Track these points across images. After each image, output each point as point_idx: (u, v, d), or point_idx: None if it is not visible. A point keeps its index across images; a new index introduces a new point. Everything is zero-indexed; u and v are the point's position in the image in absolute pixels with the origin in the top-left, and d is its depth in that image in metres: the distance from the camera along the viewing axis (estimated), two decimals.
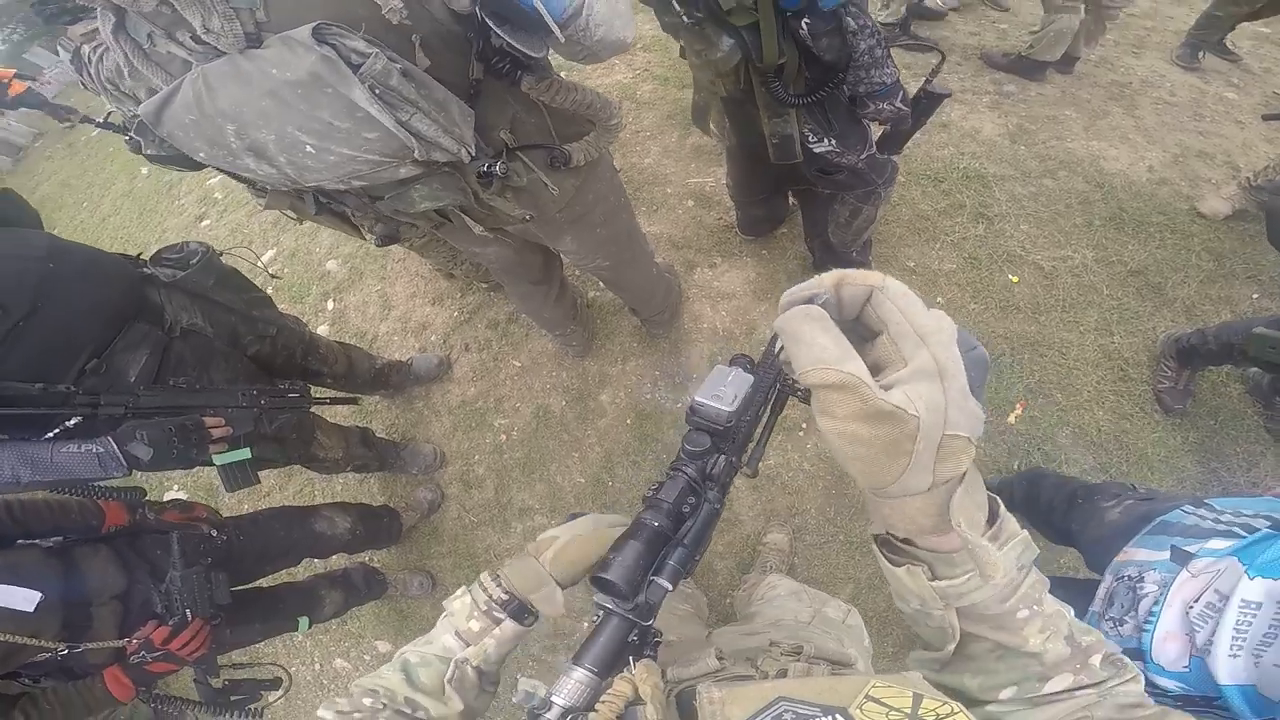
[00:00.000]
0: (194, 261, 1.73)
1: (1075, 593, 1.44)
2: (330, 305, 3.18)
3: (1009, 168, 2.84)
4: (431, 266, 2.91)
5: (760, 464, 0.67)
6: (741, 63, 1.45)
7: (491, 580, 0.78)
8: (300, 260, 3.33)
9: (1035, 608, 0.54)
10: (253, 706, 1.67)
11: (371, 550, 2.54)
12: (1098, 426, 2.29)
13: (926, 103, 1.57)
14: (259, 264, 2.08)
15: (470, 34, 1.06)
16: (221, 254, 1.85)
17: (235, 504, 2.83)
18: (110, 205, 4.90)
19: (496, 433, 2.67)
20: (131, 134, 1.08)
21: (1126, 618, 1.16)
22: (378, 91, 0.92)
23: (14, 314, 1.35)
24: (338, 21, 0.88)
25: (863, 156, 1.67)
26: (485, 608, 0.76)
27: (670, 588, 0.58)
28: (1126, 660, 0.57)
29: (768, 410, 0.72)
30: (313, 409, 2.07)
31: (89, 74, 1.06)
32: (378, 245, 1.58)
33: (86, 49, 1.05)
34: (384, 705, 0.70)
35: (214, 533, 1.74)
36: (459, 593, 0.80)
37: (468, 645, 0.75)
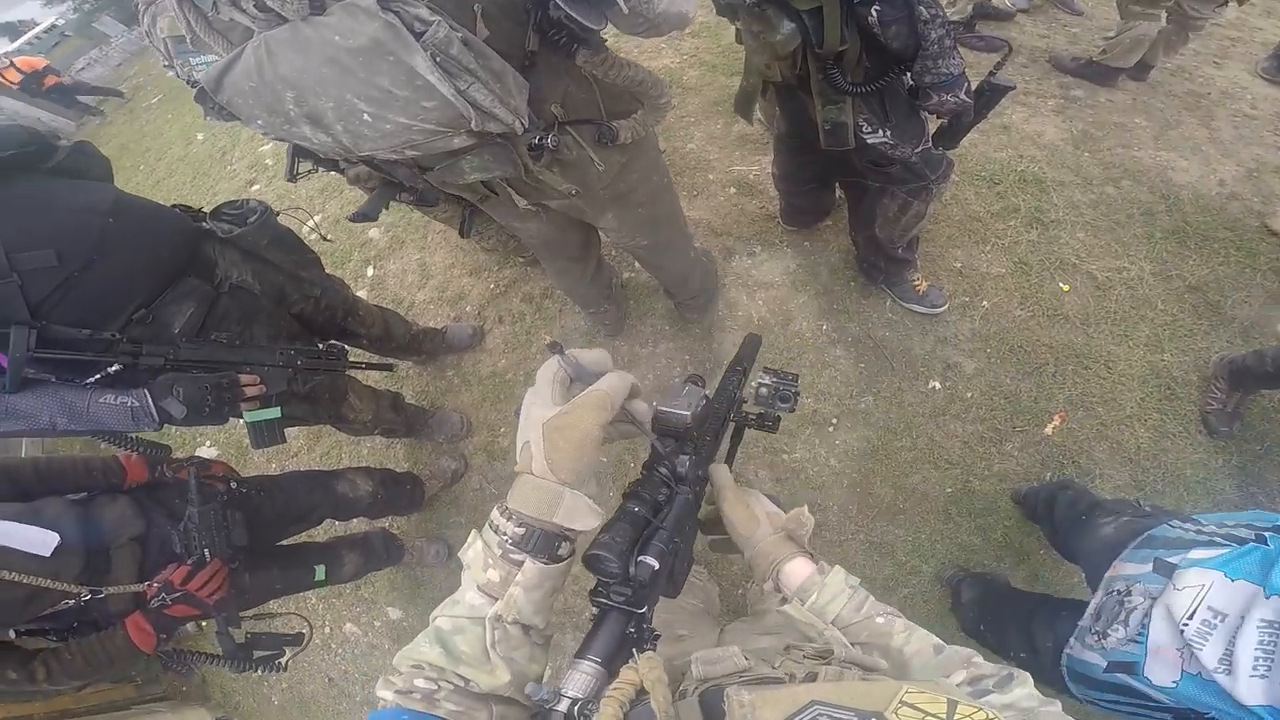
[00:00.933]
0: (251, 220, 1.75)
1: (1073, 609, 1.43)
2: (370, 271, 3.23)
3: (1070, 173, 2.74)
4: (471, 239, 2.93)
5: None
6: (800, 47, 1.41)
7: (501, 515, 0.67)
8: (344, 227, 3.38)
9: (889, 615, 0.77)
10: (277, 661, 1.70)
11: (392, 516, 2.58)
12: (1137, 444, 2.23)
13: (989, 95, 1.52)
14: (312, 226, 2.10)
15: (529, 4, 1.06)
16: (279, 214, 1.87)
17: (263, 464, 2.92)
18: (165, 168, 5.05)
19: None
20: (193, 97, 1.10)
21: (1110, 630, 1.18)
22: (438, 60, 0.92)
23: (70, 265, 1.38)
24: None
25: (917, 150, 1.62)
26: (500, 551, 0.66)
27: (656, 565, 0.62)
28: (1015, 674, 0.64)
29: (726, 438, 0.97)
30: (347, 372, 2.10)
31: (150, 37, 1.08)
32: (352, 220, 1.59)
33: (146, 13, 1.06)
34: (438, 685, 0.65)
35: (233, 484, 1.77)
36: (470, 538, 0.70)
37: (494, 600, 0.66)
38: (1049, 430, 2.29)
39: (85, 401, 1.46)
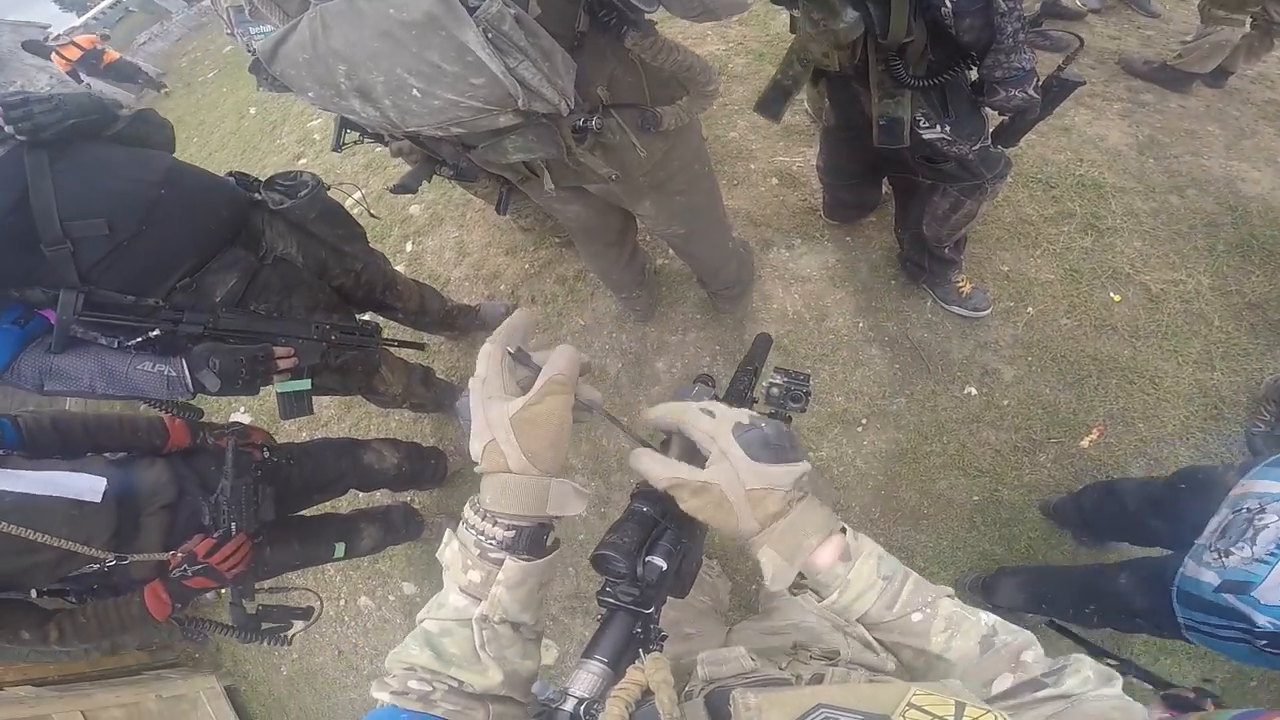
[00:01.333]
0: (302, 194, 1.77)
1: (1151, 561, 1.38)
2: (409, 247, 3.26)
3: (1131, 180, 2.62)
4: (509, 218, 2.94)
5: None
6: (861, 37, 1.37)
7: (478, 515, 0.64)
8: (385, 203, 3.41)
9: (928, 610, 0.63)
10: (283, 634, 1.72)
11: (414, 490, 2.61)
12: (1176, 462, 2.15)
13: (1058, 90, 1.46)
14: (359, 200, 2.12)
15: None
16: (329, 188, 1.89)
17: (294, 432, 2.98)
18: (218, 141, 5.18)
19: None
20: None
21: (1234, 549, 1.11)
22: (490, 36, 0.91)
23: (120, 234, 1.42)
24: None
25: (975, 147, 1.57)
26: (478, 551, 0.64)
27: (664, 565, 0.62)
28: (1070, 661, 0.59)
29: None
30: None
31: (215, 4, 1.10)
32: (393, 191, 1.58)
33: None
34: (433, 686, 0.63)
35: (267, 452, 1.81)
36: (445, 538, 0.67)
37: (478, 600, 0.64)
38: (1085, 443, 2.22)
39: (125, 367, 1.50)
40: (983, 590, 2.05)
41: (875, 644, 1.02)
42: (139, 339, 1.52)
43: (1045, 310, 2.41)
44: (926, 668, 0.64)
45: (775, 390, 0.96)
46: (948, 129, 1.50)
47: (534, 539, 0.64)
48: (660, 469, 0.64)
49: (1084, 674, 0.57)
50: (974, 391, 2.35)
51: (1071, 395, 2.29)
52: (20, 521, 1.28)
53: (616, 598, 0.63)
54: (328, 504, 2.14)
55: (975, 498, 2.22)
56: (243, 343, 1.63)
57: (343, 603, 2.71)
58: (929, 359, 2.40)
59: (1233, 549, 1.11)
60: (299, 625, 1.79)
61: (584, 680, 0.57)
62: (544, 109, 1.10)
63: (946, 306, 2.41)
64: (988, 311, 2.38)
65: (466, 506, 0.65)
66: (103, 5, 10.26)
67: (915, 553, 2.20)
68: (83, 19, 10.07)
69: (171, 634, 2.83)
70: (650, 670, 0.54)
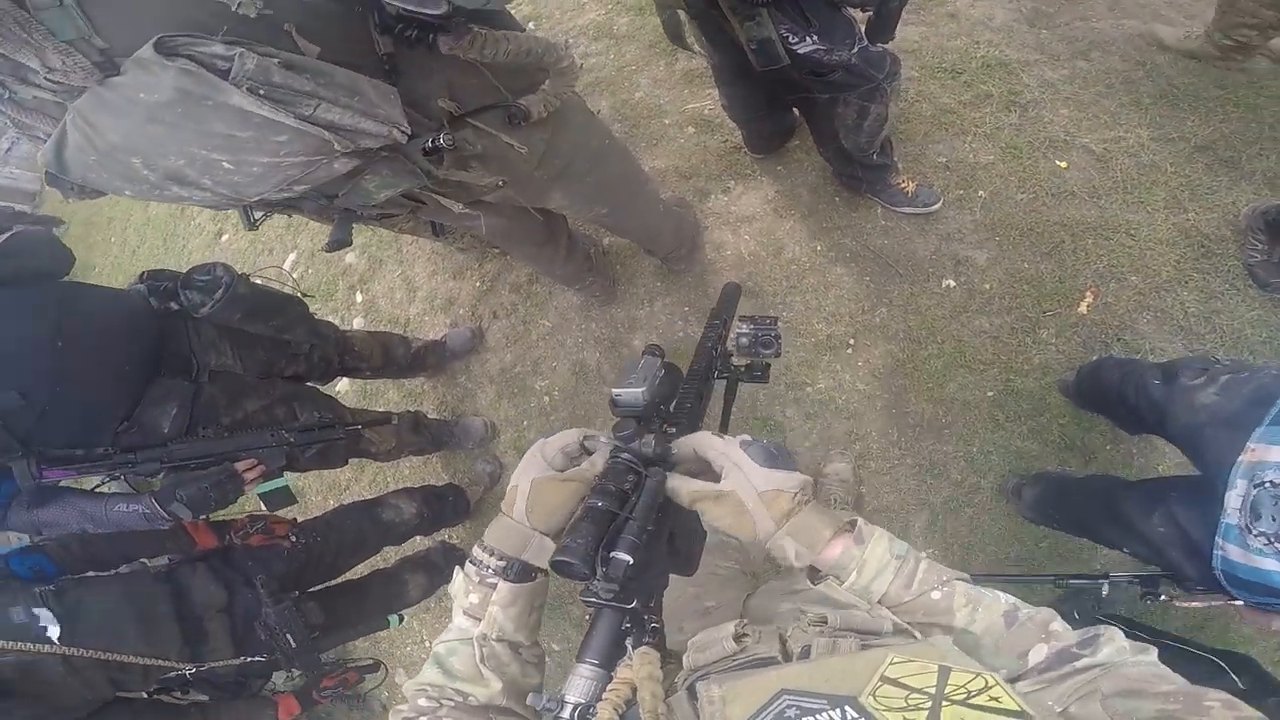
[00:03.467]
0: (217, 295, 1.64)
1: (1186, 491, 1.29)
2: (359, 297, 3.23)
3: (1033, 53, 2.51)
4: (445, 243, 2.89)
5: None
6: None
7: (481, 550, 0.76)
8: (320, 258, 3.36)
9: (945, 589, 0.66)
10: (349, 693, 1.92)
11: (445, 529, 2.63)
12: (1184, 308, 2.08)
13: None
14: (289, 283, 1.98)
15: (358, 7, 0.97)
16: (249, 276, 1.76)
17: (320, 500, 3.01)
18: (135, 236, 4.88)
19: (539, 395, 2.69)
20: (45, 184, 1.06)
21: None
22: (261, 92, 0.85)
23: (37, 404, 1.39)
24: (185, 30, 0.81)
25: (853, 51, 1.50)
26: (478, 578, 0.75)
27: (629, 559, 0.61)
28: (1102, 631, 0.59)
29: (711, 389, 0.90)
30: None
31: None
32: (327, 250, 1.53)
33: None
34: (439, 702, 0.70)
35: (294, 538, 1.87)
36: (455, 575, 0.79)
37: (478, 621, 0.74)
38: (1083, 309, 2.15)
39: (103, 510, 1.54)
40: (1016, 501, 1.99)
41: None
42: (100, 483, 1.56)
43: (997, 191, 2.32)
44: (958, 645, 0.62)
45: (744, 340, 0.95)
46: (816, 39, 1.42)
47: (523, 570, 0.74)
48: (683, 485, 0.72)
49: (1118, 643, 0.58)
50: (952, 283, 2.28)
51: (1052, 264, 2.21)
52: (101, 647, 1.41)
53: (597, 595, 0.62)
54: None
55: (990, 393, 2.16)
56: (203, 467, 1.63)
57: (428, 644, 2.72)
58: (896, 264, 2.34)
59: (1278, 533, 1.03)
60: (367, 682, 1.99)
61: (578, 685, 0.58)
62: (375, 143, 1.04)
63: (896, 209, 2.33)
64: (938, 205, 2.30)
65: (476, 547, 0.77)
66: None
67: (948, 466, 2.16)
68: None
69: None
70: (636, 667, 0.55)
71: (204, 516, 1.69)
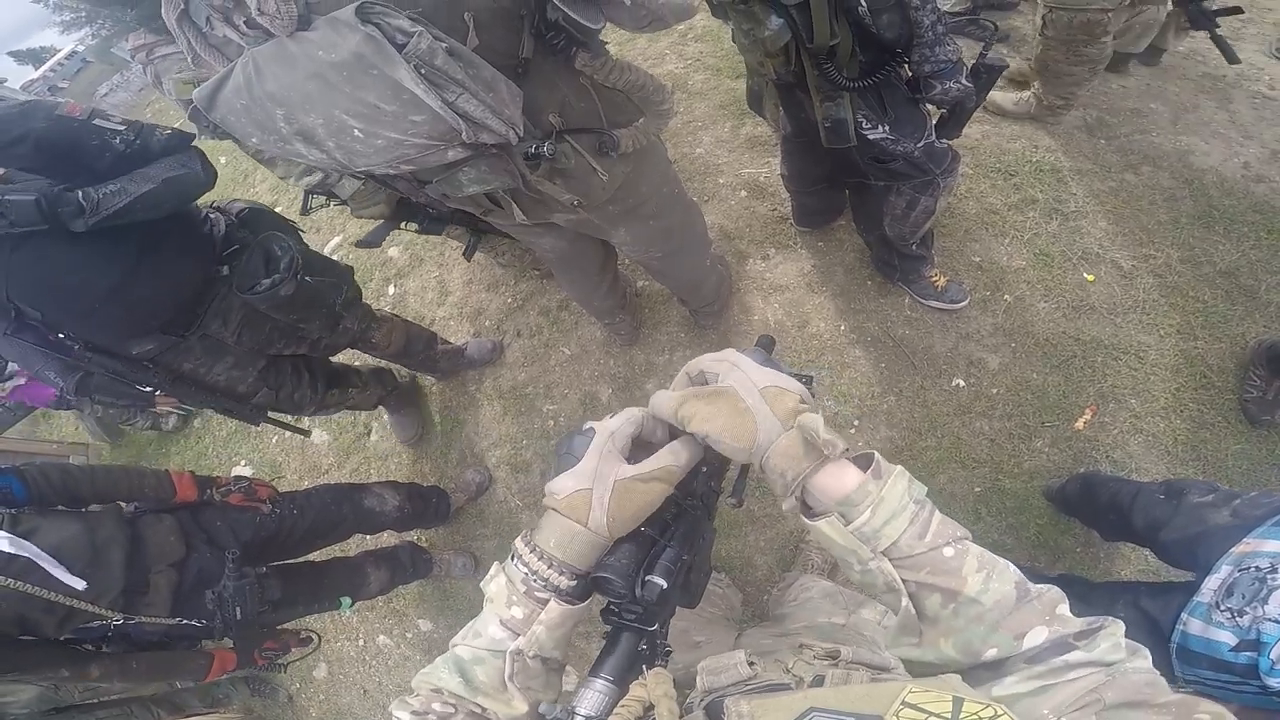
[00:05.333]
0: (260, 287, 1.76)
1: (1155, 588, 1.36)
2: (391, 290, 3.30)
3: (1087, 162, 2.67)
4: (486, 254, 2.98)
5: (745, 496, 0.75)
6: (792, 44, 1.41)
7: (532, 553, 0.65)
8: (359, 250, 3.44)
9: (959, 545, 0.59)
10: (280, 660, 1.87)
11: (419, 529, 2.62)
12: (1174, 435, 2.15)
13: (986, 77, 1.51)
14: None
15: (525, 8, 1.05)
16: (298, 276, 1.82)
17: (296, 480, 2.99)
18: None
19: (545, 418, 2.72)
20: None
21: (1248, 609, 1.10)
22: (423, 71, 0.92)
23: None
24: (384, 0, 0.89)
25: (919, 144, 1.60)
26: (524, 588, 0.65)
27: (664, 584, 0.62)
28: (1105, 624, 0.56)
29: None
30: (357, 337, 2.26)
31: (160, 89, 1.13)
32: (358, 246, 1.67)
33: (139, 58, 1.11)
34: (455, 710, 0.65)
35: (269, 506, 1.86)
36: (493, 571, 0.69)
37: (516, 635, 0.65)
38: (1080, 425, 2.22)
39: (40, 363, 1.60)
40: None
41: (879, 642, 1.00)
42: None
43: (1022, 296, 2.42)
44: (953, 615, 0.58)
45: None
46: (888, 128, 1.53)
47: (586, 589, 0.67)
48: (663, 395, 0.67)
49: (1117, 639, 0.55)
50: (962, 383, 2.35)
51: (1059, 377, 2.29)
52: (34, 581, 1.35)
53: (621, 616, 0.64)
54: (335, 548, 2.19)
55: (977, 489, 2.21)
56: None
57: (362, 642, 2.71)
58: (913, 355, 2.41)
59: (1246, 609, 1.11)
60: (294, 654, 1.93)
61: (590, 699, 0.58)
62: (492, 139, 1.10)
63: (924, 302, 2.43)
64: (965, 303, 2.40)
65: (519, 542, 0.67)
66: (59, 57, 10.22)
67: None
68: (39, 71, 9.87)
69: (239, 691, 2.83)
70: (652, 685, 0.56)
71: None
